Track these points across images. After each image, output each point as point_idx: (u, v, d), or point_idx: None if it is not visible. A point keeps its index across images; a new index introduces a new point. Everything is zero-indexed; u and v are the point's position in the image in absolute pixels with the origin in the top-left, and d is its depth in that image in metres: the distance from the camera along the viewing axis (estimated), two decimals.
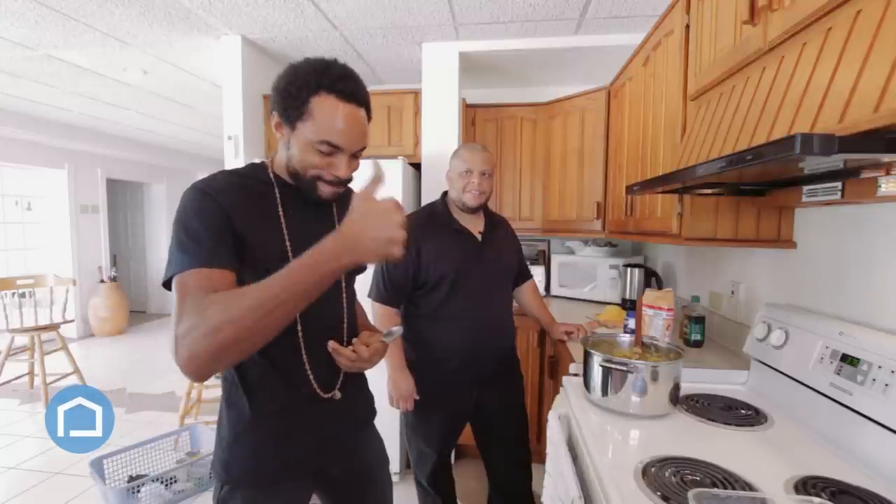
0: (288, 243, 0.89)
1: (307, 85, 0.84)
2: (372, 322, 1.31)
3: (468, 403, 1.60)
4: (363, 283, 1.65)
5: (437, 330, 1.55)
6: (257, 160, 0.98)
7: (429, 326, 1.56)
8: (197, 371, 0.69)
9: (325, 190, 0.91)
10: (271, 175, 0.93)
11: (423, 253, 1.52)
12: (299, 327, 0.92)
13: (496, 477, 1.73)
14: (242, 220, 0.83)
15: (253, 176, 0.92)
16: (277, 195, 0.91)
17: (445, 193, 1.65)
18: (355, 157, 0.91)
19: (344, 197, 0.99)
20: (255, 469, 0.92)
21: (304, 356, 0.93)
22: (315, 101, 0.84)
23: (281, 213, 0.91)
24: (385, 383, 1.54)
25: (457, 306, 1.53)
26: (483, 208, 1.64)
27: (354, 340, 0.96)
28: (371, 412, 1.14)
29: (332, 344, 0.92)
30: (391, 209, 0.76)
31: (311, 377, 0.94)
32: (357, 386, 1.08)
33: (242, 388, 0.91)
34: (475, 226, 1.61)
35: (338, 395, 0.99)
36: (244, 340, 0.69)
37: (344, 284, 1.02)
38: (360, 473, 1.08)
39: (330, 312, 0.99)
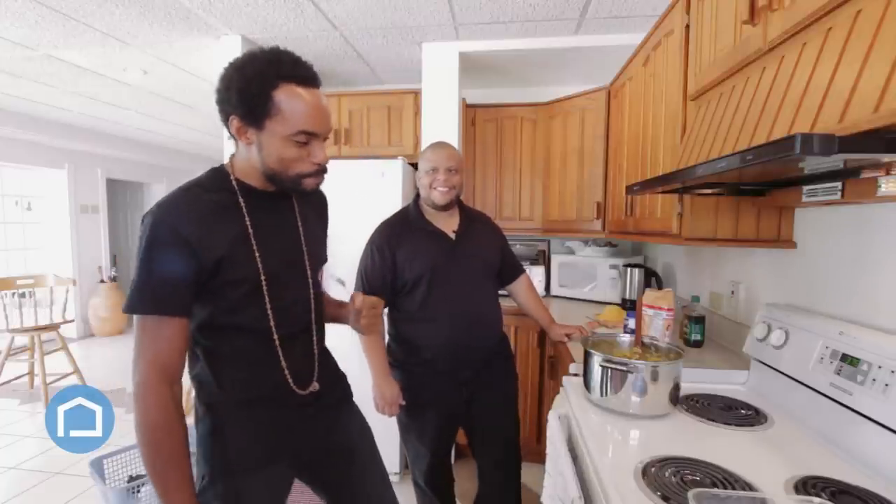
0: (257, 254, 0.91)
1: (265, 79, 0.82)
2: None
3: (459, 401, 1.59)
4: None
5: (420, 330, 1.56)
6: (217, 164, 0.96)
7: (412, 327, 1.57)
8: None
9: (309, 182, 0.92)
10: (234, 182, 0.92)
11: (397, 257, 1.53)
12: (275, 334, 0.94)
13: (486, 476, 1.72)
14: (210, 247, 0.84)
15: (216, 187, 0.90)
16: (242, 204, 0.91)
17: (418, 196, 1.63)
18: (325, 140, 0.91)
19: (306, 195, 1.02)
20: (233, 459, 0.93)
21: (281, 357, 0.96)
22: (278, 94, 0.83)
23: (248, 222, 0.90)
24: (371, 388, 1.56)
25: (436, 307, 1.53)
26: (459, 206, 1.63)
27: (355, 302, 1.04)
28: (347, 393, 1.17)
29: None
30: None
31: (288, 375, 0.97)
32: (329, 376, 1.10)
33: (217, 385, 0.92)
34: (449, 225, 1.60)
35: (316, 386, 1.02)
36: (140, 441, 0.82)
37: (311, 286, 1.04)
38: (340, 448, 1.10)
39: (301, 315, 1.02)
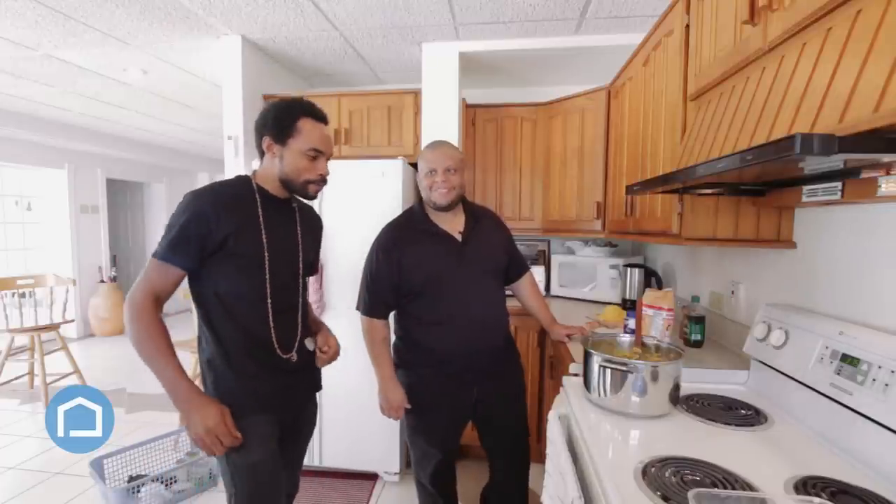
0: (264, 238, 1.18)
1: (293, 113, 1.18)
2: (363, 334, 1.59)
3: (468, 402, 1.59)
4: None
5: (428, 334, 1.54)
6: (242, 174, 1.28)
7: (420, 331, 1.56)
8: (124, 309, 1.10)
9: (312, 189, 1.23)
10: (255, 186, 1.21)
11: (403, 260, 1.51)
12: (269, 305, 1.20)
13: (495, 469, 1.72)
14: (229, 224, 1.12)
15: (240, 186, 1.21)
16: (259, 202, 1.20)
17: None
18: (328, 160, 1.25)
19: (303, 208, 1.35)
20: (233, 403, 1.16)
21: (271, 323, 1.21)
22: (300, 123, 1.18)
23: (260, 213, 1.19)
24: (376, 390, 1.57)
25: (444, 310, 1.52)
26: (464, 204, 1.61)
27: (319, 342, 1.37)
28: (317, 385, 1.41)
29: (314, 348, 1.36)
30: (210, 434, 1.10)
31: (275, 340, 1.22)
32: (305, 357, 1.33)
33: (221, 352, 1.16)
34: (454, 225, 1.57)
35: (294, 357, 1.27)
36: (131, 341, 1.08)
37: (301, 279, 1.31)
38: (299, 423, 1.35)
39: (290, 298, 1.28)
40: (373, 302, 1.55)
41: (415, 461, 1.69)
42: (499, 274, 1.67)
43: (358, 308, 1.59)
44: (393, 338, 1.65)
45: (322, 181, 1.23)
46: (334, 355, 1.39)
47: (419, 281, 1.51)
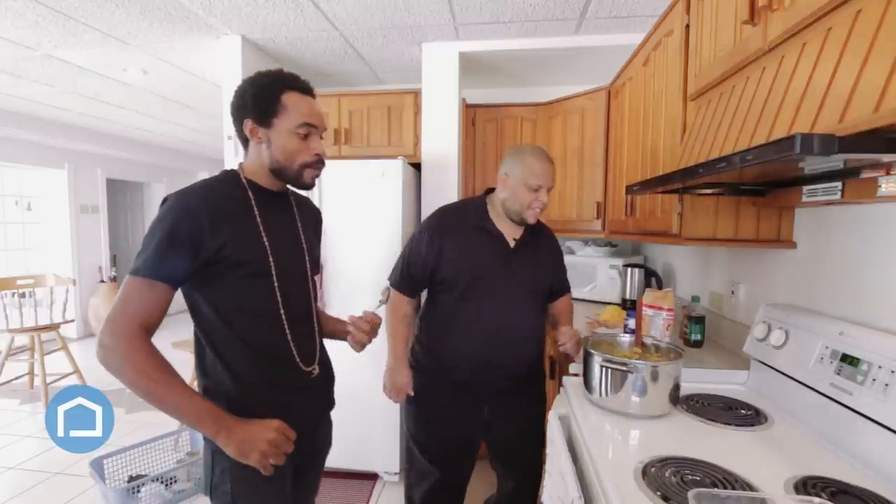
0: (264, 236, 1.03)
1: (274, 87, 1.01)
2: (386, 306, 1.48)
3: (477, 421, 1.51)
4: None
5: (446, 334, 1.48)
6: (216, 164, 1.11)
7: (440, 328, 1.49)
8: (98, 353, 0.88)
9: (309, 174, 1.06)
10: (244, 181, 1.06)
11: (445, 250, 1.45)
12: (283, 315, 1.05)
13: (501, 492, 1.67)
14: (224, 230, 0.95)
15: (229, 183, 1.05)
16: (252, 197, 1.04)
17: (489, 191, 1.54)
18: (322, 136, 1.07)
19: (299, 199, 1.20)
20: None
21: (288, 335, 1.06)
22: (284, 97, 1.01)
23: (256, 212, 1.04)
24: (377, 390, 1.56)
25: (469, 313, 1.44)
26: None
27: (355, 319, 1.17)
28: (331, 402, 1.25)
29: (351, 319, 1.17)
30: (274, 445, 0.92)
31: (295, 352, 1.07)
32: (325, 369, 1.19)
33: (231, 377, 1.00)
34: (512, 231, 1.49)
35: (317, 370, 1.12)
36: (127, 385, 0.88)
37: (309, 279, 1.17)
38: (310, 454, 1.18)
39: (302, 303, 1.14)
40: (403, 277, 1.52)
41: (412, 481, 1.60)
42: (540, 295, 1.56)
43: (389, 279, 1.56)
44: (411, 340, 1.60)
45: (319, 163, 1.06)
46: (375, 328, 1.19)
47: (454, 274, 1.45)
